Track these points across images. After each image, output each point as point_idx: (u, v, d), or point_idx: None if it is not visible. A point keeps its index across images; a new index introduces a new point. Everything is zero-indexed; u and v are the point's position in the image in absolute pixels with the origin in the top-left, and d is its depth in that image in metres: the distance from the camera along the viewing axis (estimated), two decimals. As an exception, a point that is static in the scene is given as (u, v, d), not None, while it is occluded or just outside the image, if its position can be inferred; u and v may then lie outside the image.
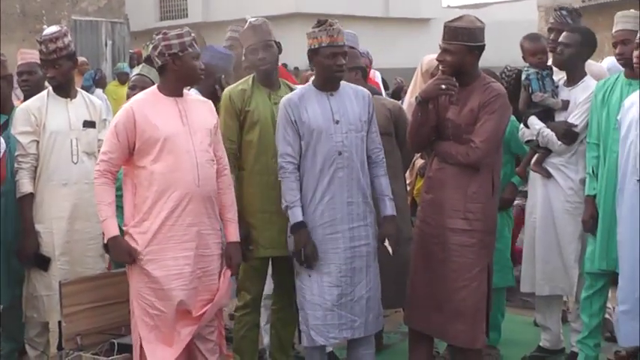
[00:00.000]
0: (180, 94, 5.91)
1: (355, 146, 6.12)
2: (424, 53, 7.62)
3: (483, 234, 6.10)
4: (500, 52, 12.14)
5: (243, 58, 6.61)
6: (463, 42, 6.05)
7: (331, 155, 6.04)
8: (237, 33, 7.27)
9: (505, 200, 7.21)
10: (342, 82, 6.29)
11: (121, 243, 5.71)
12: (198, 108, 6.00)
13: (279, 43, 6.69)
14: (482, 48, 6.17)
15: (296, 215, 5.98)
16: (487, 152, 6.02)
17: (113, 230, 5.70)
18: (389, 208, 6.25)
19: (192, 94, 6.38)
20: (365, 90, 6.44)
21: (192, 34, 5.93)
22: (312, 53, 6.09)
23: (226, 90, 6.69)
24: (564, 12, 7.74)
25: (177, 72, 5.83)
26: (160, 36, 5.87)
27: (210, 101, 6.20)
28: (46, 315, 6.72)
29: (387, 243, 6.19)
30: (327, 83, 6.16)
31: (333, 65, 6.05)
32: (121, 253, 5.75)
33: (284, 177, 6.06)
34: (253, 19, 6.64)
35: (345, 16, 24.68)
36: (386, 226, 6.24)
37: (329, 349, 6.64)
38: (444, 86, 6.05)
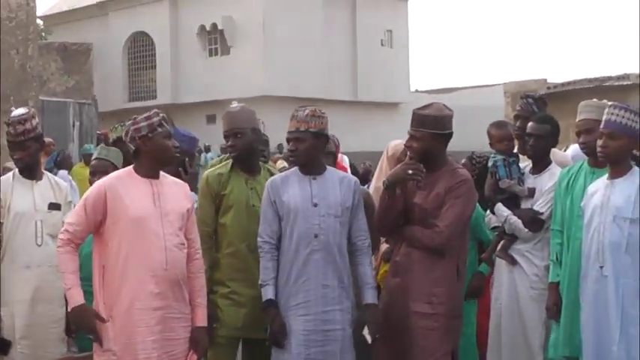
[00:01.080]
0: (156, 176, 5.96)
1: (333, 230, 6.20)
2: (393, 137, 7.77)
3: (447, 318, 6.18)
4: (467, 137, 12.29)
5: None
6: (430, 129, 6.22)
7: (307, 237, 6.14)
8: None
9: (473, 288, 7.37)
10: (330, 168, 6.50)
11: (87, 310, 5.69)
12: (172, 190, 6.03)
13: (256, 129, 6.82)
14: (449, 135, 6.34)
15: (267, 293, 6.09)
16: (451, 236, 6.15)
17: (79, 299, 5.65)
18: (370, 297, 6.28)
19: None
20: (353, 177, 6.59)
21: (161, 114, 6.01)
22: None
23: (205, 173, 6.82)
24: (530, 100, 7.91)
25: (149, 153, 5.89)
26: (130, 122, 5.98)
27: (186, 184, 6.26)
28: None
29: (365, 331, 6.17)
30: (303, 167, 6.29)
31: (289, 150, 6.29)
32: (86, 320, 5.69)
33: (261, 256, 6.18)
34: (234, 104, 6.78)
35: (314, 99, 24.96)
36: (366, 314, 6.23)
37: None
38: (410, 171, 6.18)
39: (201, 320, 6.06)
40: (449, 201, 6.21)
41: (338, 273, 6.23)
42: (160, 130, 5.90)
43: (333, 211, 6.22)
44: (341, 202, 6.26)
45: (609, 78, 24.26)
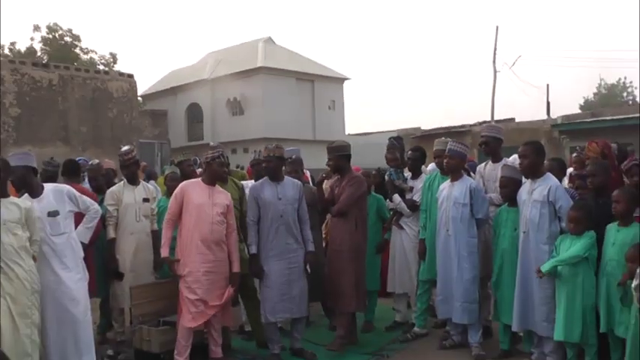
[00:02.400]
0: (213, 184, 6.10)
1: (290, 212, 6.35)
2: None
3: (349, 252, 6.45)
4: (375, 159, 12.20)
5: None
6: (336, 153, 6.62)
7: (276, 217, 6.29)
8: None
9: (380, 247, 7.46)
10: (287, 177, 6.60)
11: (167, 257, 5.93)
12: (220, 193, 6.11)
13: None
14: (349, 156, 6.67)
15: (252, 250, 6.31)
16: (347, 205, 6.47)
17: (166, 251, 5.90)
18: (310, 247, 6.43)
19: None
20: (298, 182, 6.68)
21: (221, 151, 6.18)
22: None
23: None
24: (393, 139, 7.93)
25: (209, 172, 6.11)
26: (208, 153, 6.18)
27: (228, 192, 6.29)
28: (121, 304, 6.76)
29: (307, 266, 6.43)
30: (272, 177, 6.45)
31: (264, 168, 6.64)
32: (168, 262, 5.97)
33: (248, 228, 6.35)
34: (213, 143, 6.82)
35: (291, 139, 25.04)
36: (308, 257, 6.41)
37: (279, 325, 6.65)
38: (324, 175, 7.02)
39: (235, 267, 6.12)
40: (346, 189, 6.48)
41: (293, 236, 6.36)
42: (216, 160, 6.06)
43: (290, 202, 6.37)
44: (293, 196, 6.41)
45: (454, 127, 24.57)
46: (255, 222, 6.34)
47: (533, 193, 5.70)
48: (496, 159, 6.72)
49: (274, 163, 6.40)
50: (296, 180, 6.71)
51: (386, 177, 7.61)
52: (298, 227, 6.44)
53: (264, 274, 6.26)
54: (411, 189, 7.33)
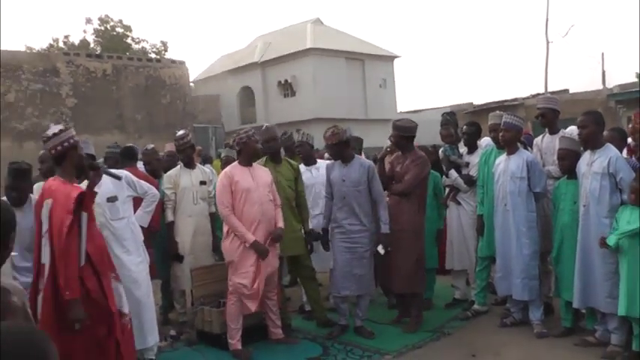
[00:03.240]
0: (250, 165, 6.05)
1: (353, 195, 6.33)
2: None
3: (409, 233, 6.45)
4: (428, 136, 12.07)
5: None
6: (400, 132, 6.51)
7: (340, 198, 6.38)
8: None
9: (440, 233, 7.47)
10: (357, 158, 6.56)
11: (260, 244, 5.82)
12: (260, 172, 6.09)
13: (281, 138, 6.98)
14: (412, 137, 6.60)
15: (323, 223, 6.58)
16: (411, 186, 6.43)
17: (251, 238, 5.77)
18: (384, 228, 6.29)
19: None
20: (368, 161, 6.68)
21: (252, 131, 6.14)
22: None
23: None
24: (446, 115, 8.05)
25: (246, 152, 6.03)
26: (237, 134, 6.15)
27: (267, 169, 6.28)
28: (182, 286, 6.90)
29: (380, 247, 6.31)
30: (339, 159, 6.48)
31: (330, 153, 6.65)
32: (264, 250, 5.83)
33: (325, 203, 6.57)
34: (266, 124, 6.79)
35: (342, 119, 24.96)
36: (381, 238, 6.29)
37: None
38: (389, 149, 6.76)
39: (280, 223, 6.08)
40: (411, 168, 6.42)
41: (357, 217, 6.35)
42: (252, 139, 6.02)
43: (353, 184, 6.34)
44: (357, 178, 6.34)
45: (506, 100, 24.21)
46: (330, 198, 6.47)
47: (592, 164, 5.52)
48: (553, 131, 6.58)
49: (336, 148, 6.41)
50: (366, 161, 6.68)
51: (441, 153, 7.57)
52: (366, 209, 6.38)
53: (332, 250, 6.43)
54: (467, 164, 7.27)
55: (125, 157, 7.16)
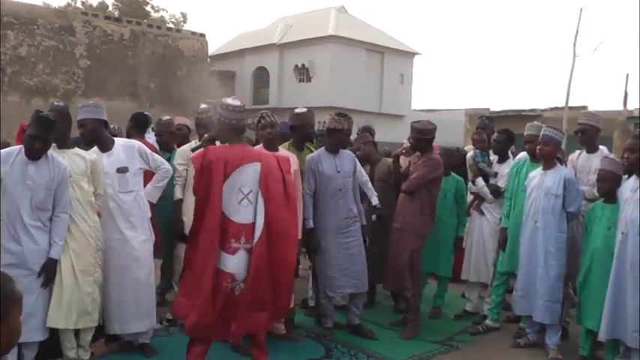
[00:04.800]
0: (276, 149, 5.75)
1: (349, 186, 6.23)
2: (399, 133, 7.50)
3: (409, 233, 6.34)
4: (441, 137, 11.88)
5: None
6: (418, 135, 6.33)
7: (335, 191, 6.13)
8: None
9: (458, 242, 7.28)
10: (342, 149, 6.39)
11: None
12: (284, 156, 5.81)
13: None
14: (431, 139, 6.41)
15: (309, 224, 6.11)
16: (415, 185, 6.30)
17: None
18: (363, 220, 6.39)
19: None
20: (351, 153, 6.55)
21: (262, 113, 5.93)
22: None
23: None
24: (484, 118, 7.97)
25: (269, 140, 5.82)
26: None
27: (290, 153, 5.96)
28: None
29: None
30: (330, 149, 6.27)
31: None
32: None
33: (305, 201, 6.12)
34: (299, 109, 6.50)
35: (356, 110, 24.86)
36: (364, 230, 6.38)
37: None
38: (404, 151, 6.50)
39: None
40: (420, 168, 6.30)
41: (352, 210, 6.23)
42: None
43: (348, 175, 6.24)
44: (349, 169, 6.26)
45: (524, 110, 23.93)
46: (312, 195, 6.14)
47: (638, 192, 5.23)
48: (591, 149, 6.31)
49: (341, 135, 6.24)
50: (349, 152, 6.52)
51: (469, 159, 7.36)
52: (356, 200, 6.33)
53: (323, 250, 6.11)
54: (496, 174, 7.05)
55: (135, 126, 6.82)
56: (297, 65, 32.32)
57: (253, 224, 4.65)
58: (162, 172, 5.57)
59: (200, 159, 4.66)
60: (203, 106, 6.83)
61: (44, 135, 4.53)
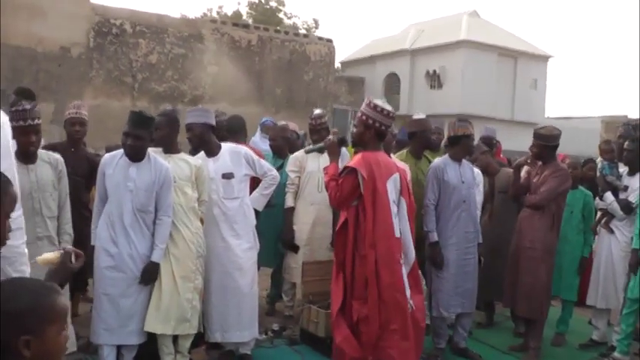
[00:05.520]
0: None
1: (472, 197, 5.88)
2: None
3: (541, 252, 5.91)
4: (575, 146, 11.25)
5: None
6: (542, 142, 5.88)
7: (459, 202, 5.75)
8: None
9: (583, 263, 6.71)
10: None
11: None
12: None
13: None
14: (555, 146, 5.98)
15: (433, 237, 5.71)
16: (546, 199, 5.86)
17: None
18: (479, 237, 5.99)
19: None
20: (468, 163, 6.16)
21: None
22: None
23: None
24: (629, 126, 7.38)
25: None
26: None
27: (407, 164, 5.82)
28: (293, 278, 6.46)
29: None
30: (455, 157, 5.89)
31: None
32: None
33: (428, 213, 5.76)
34: (417, 115, 6.32)
35: (488, 117, 24.31)
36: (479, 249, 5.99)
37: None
38: (529, 161, 6.14)
39: None
40: (549, 180, 5.84)
41: (474, 224, 5.87)
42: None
43: (470, 185, 5.88)
44: (471, 179, 5.92)
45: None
46: (435, 206, 5.78)
47: None
48: None
49: (468, 142, 5.89)
50: (467, 162, 6.11)
51: (599, 170, 6.84)
52: (477, 215, 5.97)
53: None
54: (626, 188, 6.43)
55: (233, 129, 6.56)
56: (428, 71, 32.11)
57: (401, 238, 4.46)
58: (269, 179, 5.49)
59: (364, 166, 4.36)
60: (317, 111, 6.74)
61: (134, 131, 4.52)
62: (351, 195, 4.36)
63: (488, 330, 6.88)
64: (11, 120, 3.74)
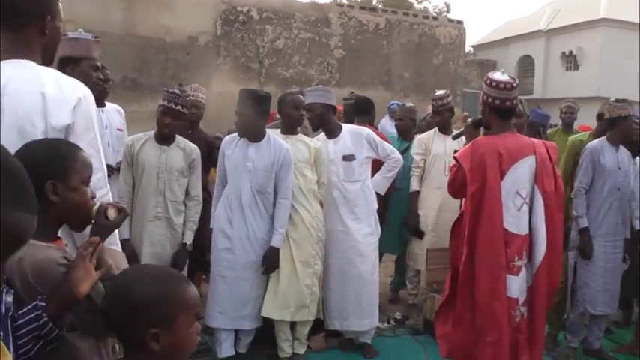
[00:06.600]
0: None
1: (626, 185, 5.29)
2: None
3: None
4: None
5: None
6: None
7: (613, 190, 5.22)
8: None
9: None
10: None
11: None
12: None
13: None
14: None
15: (583, 223, 5.21)
16: None
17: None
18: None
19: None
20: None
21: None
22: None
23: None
24: None
25: None
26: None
27: None
28: (418, 265, 6.23)
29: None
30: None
31: None
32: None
33: (578, 197, 5.25)
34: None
35: (629, 100, 23.08)
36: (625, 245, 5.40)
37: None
38: None
39: None
40: None
41: (624, 215, 5.31)
42: None
43: (626, 172, 5.30)
44: (629, 164, 5.36)
45: None
46: (587, 190, 5.27)
47: None
48: None
49: (628, 123, 5.31)
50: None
51: None
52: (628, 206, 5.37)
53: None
54: None
55: (359, 111, 6.44)
56: (564, 52, 30.89)
57: (529, 235, 3.80)
58: (392, 162, 5.30)
59: (468, 156, 3.78)
60: (440, 92, 6.42)
61: (240, 108, 4.56)
62: (462, 186, 3.86)
63: (626, 329, 6.29)
64: (162, 99, 4.53)
